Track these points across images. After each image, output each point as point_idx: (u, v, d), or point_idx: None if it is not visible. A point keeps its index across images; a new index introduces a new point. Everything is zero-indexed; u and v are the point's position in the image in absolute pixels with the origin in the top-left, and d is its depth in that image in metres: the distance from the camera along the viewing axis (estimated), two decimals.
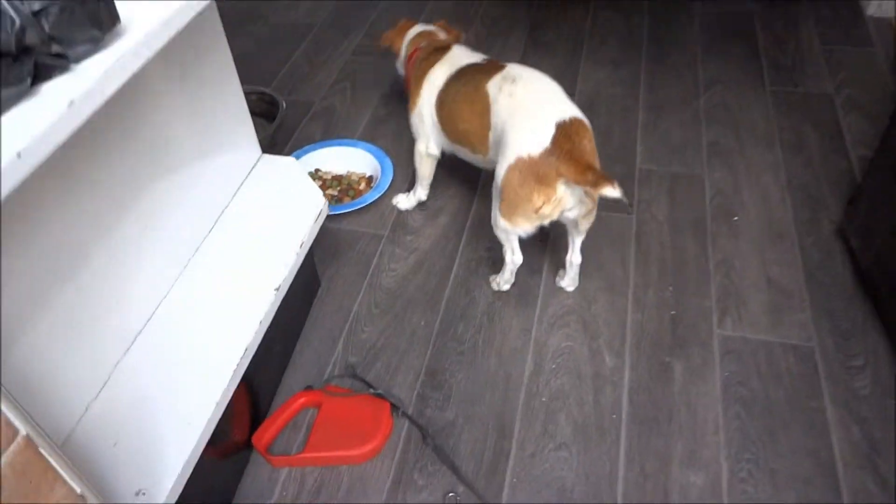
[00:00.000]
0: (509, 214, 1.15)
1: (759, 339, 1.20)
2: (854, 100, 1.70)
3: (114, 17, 0.67)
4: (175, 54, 0.98)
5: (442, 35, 1.45)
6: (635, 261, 1.35)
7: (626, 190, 1.11)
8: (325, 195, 1.49)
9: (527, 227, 1.17)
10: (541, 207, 1.11)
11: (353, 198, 1.50)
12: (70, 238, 0.82)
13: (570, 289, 1.31)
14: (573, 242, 1.25)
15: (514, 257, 1.25)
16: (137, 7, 0.74)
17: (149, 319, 0.99)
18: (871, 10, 2.01)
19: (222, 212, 1.17)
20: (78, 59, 0.65)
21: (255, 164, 1.27)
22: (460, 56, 1.33)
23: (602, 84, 1.81)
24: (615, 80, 1.82)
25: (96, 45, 0.65)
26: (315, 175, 1.56)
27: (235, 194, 1.21)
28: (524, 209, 1.13)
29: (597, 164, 1.11)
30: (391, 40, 1.51)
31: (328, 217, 1.47)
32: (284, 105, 1.68)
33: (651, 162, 1.57)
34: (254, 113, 1.75)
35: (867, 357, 1.16)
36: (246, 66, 1.92)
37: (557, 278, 1.33)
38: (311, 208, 1.19)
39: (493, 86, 1.20)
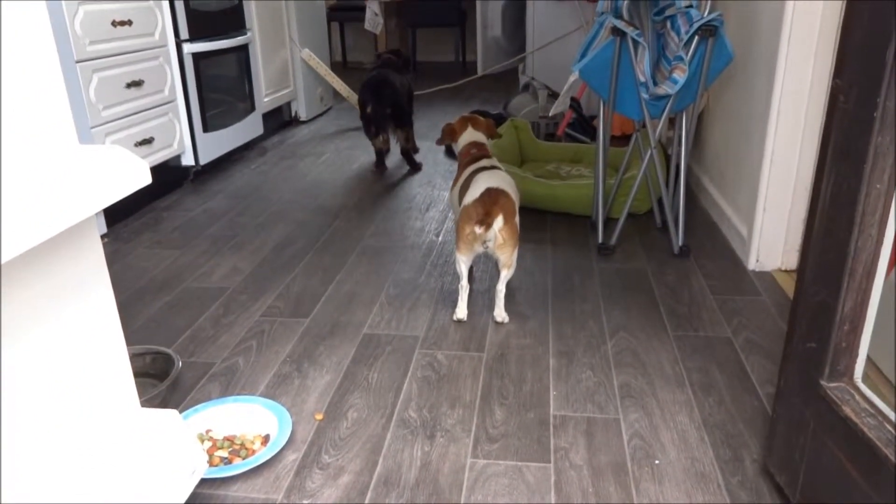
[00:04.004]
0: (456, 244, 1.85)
1: None
2: (753, 342, 1.76)
3: None
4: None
5: (483, 140, 2.16)
6: None
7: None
8: (214, 457, 1.35)
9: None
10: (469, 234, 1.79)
11: (244, 458, 1.35)
12: None
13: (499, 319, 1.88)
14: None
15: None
16: None
17: None
18: (751, 265, 2.19)
19: (86, 466, 1.01)
20: None
21: (130, 420, 1.14)
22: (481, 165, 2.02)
23: (512, 335, 1.82)
24: (525, 332, 1.84)
25: None
26: (205, 436, 1.42)
27: (103, 450, 1.06)
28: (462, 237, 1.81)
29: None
30: (452, 136, 2.21)
31: (215, 483, 1.31)
32: (180, 364, 1.59)
33: (565, 407, 1.51)
34: (148, 374, 1.67)
35: None
36: (150, 330, 1.88)
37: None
38: (180, 470, 1.05)
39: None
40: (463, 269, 1.86)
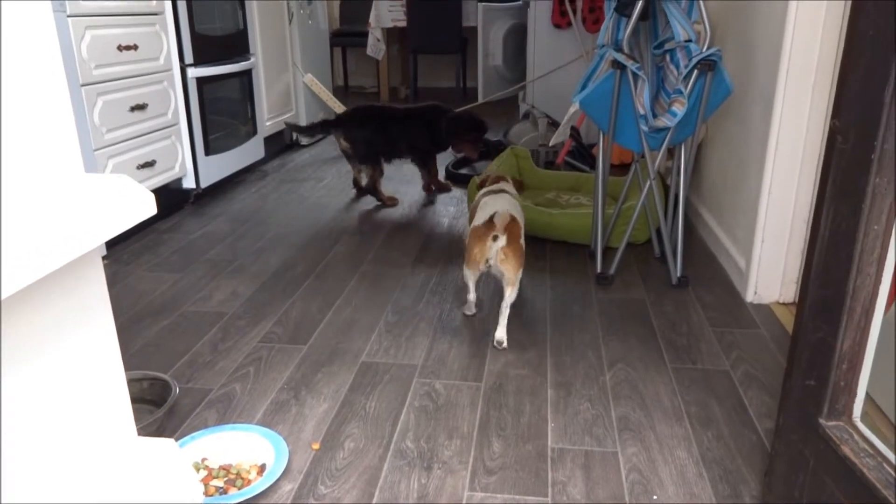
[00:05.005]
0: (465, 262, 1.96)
1: None
2: (751, 375, 1.76)
3: None
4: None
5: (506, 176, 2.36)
6: None
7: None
8: (209, 487, 1.34)
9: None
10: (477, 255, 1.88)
11: (240, 488, 1.34)
12: None
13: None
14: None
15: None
16: None
17: None
18: (749, 297, 2.20)
19: (82, 497, 1.00)
20: None
21: (127, 449, 1.13)
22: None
23: (510, 365, 1.82)
24: (523, 362, 1.84)
25: None
26: (200, 465, 1.41)
27: (99, 481, 1.05)
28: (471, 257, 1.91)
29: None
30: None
31: None
32: (177, 390, 1.58)
33: (563, 440, 1.51)
34: (144, 400, 1.66)
35: None
36: (147, 354, 1.88)
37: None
38: (177, 502, 1.04)
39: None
40: (470, 284, 2.02)
